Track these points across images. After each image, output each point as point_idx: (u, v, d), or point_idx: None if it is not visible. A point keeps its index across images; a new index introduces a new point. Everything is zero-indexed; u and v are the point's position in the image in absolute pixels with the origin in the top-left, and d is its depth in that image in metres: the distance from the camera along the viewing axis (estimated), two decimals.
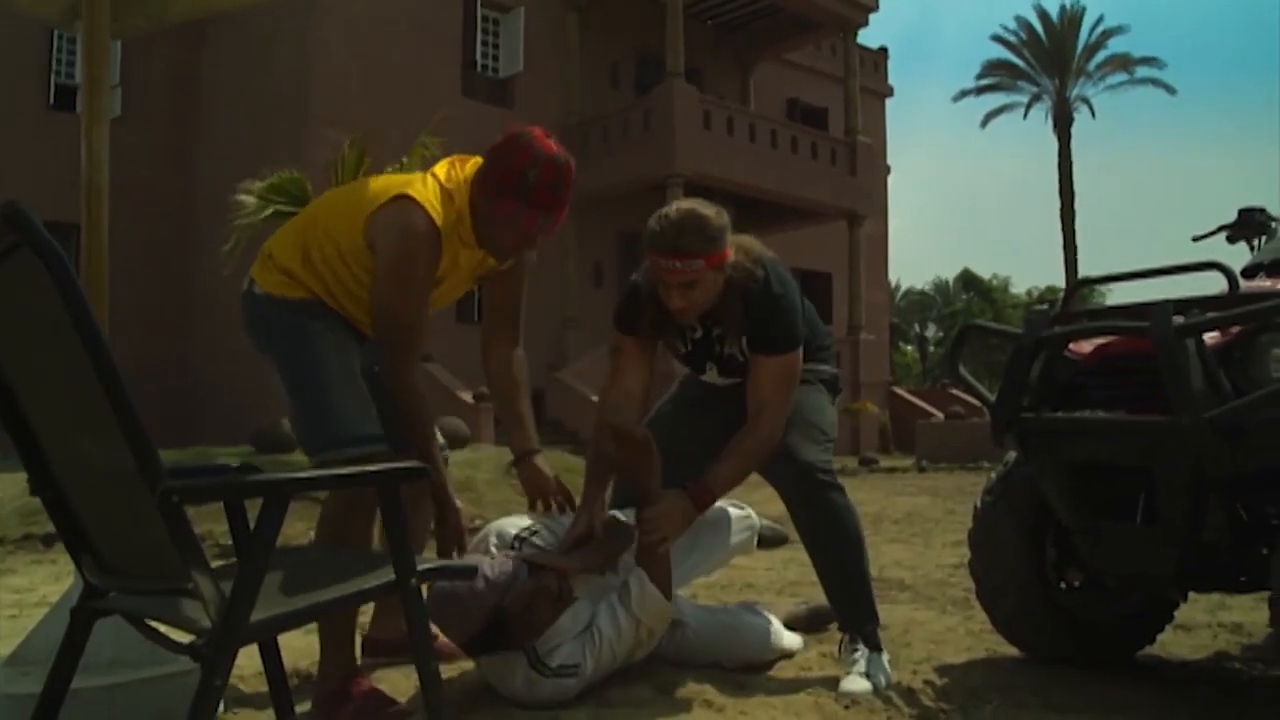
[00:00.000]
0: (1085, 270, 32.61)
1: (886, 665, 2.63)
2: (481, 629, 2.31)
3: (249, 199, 9.28)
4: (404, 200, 2.34)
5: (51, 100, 16.26)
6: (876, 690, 2.49)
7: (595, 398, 15.51)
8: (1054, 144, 32.99)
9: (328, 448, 2.33)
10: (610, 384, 2.84)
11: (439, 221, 2.35)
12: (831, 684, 2.56)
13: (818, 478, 2.68)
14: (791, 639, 2.94)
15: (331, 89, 15.31)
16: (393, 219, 2.33)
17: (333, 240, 2.41)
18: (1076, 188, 32.50)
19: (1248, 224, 3.24)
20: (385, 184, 2.44)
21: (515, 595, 2.31)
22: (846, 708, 2.40)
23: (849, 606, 2.72)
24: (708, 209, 2.60)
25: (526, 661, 2.39)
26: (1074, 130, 33.16)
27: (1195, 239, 3.42)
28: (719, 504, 2.83)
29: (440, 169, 2.51)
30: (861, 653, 2.62)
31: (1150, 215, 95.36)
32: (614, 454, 2.61)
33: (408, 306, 2.36)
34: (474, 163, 2.52)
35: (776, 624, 2.91)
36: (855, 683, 2.51)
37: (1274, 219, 3.22)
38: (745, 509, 3.04)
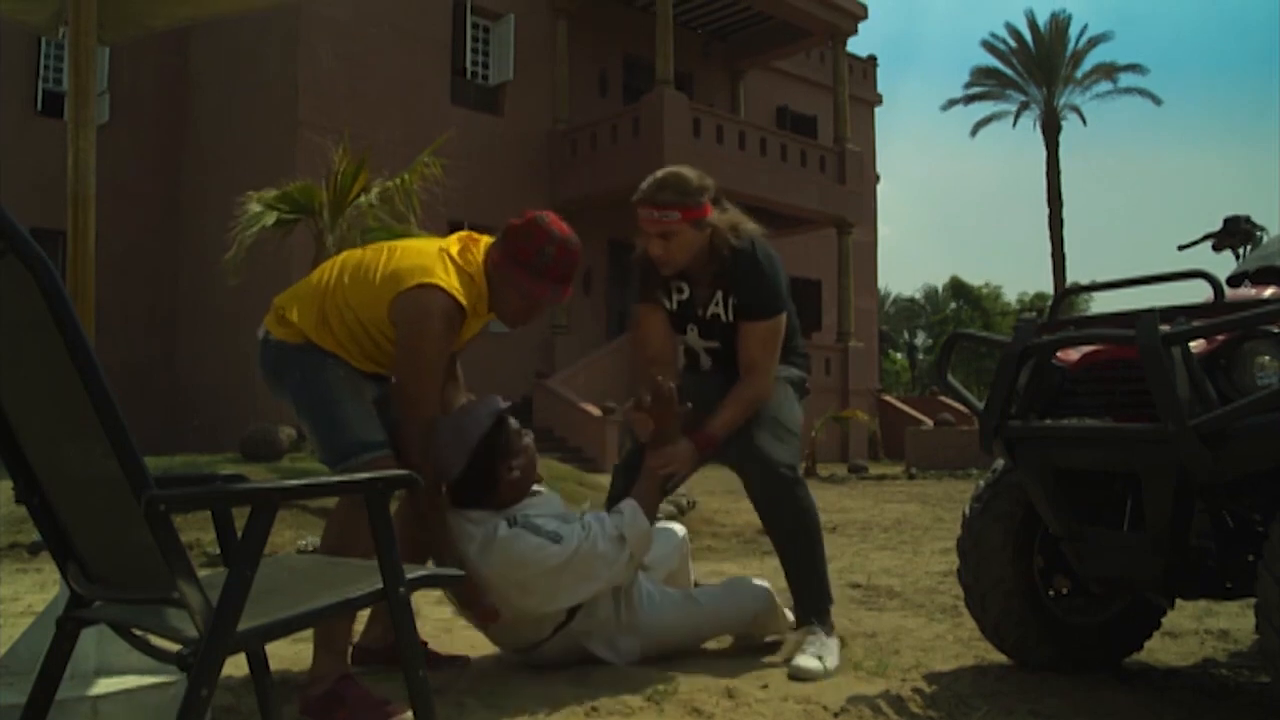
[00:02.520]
0: (1074, 277, 32.82)
1: (836, 650, 2.88)
2: (472, 464, 2.67)
3: (254, 206, 9.27)
4: (430, 288, 2.53)
5: (39, 106, 16.20)
6: (825, 670, 2.73)
7: (585, 405, 15.52)
8: (1043, 150, 33.18)
9: (346, 458, 2.52)
10: (640, 354, 3.18)
11: (464, 303, 2.58)
12: (822, 693, 2.57)
13: (781, 473, 2.90)
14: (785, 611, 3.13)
15: (319, 95, 15.29)
16: (417, 305, 2.53)
17: (352, 310, 2.62)
18: (1065, 195, 32.70)
19: (1233, 232, 3.26)
20: (410, 265, 2.60)
21: (508, 433, 2.74)
22: (835, 715, 2.41)
23: (806, 590, 2.97)
24: (690, 172, 2.94)
25: (506, 523, 2.65)
26: (1063, 137, 33.39)
27: (1181, 248, 3.45)
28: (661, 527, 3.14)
29: (453, 247, 2.72)
30: (818, 637, 2.86)
31: (1139, 222, 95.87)
32: (648, 402, 2.89)
33: (425, 387, 2.59)
34: (486, 242, 2.77)
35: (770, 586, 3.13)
36: (807, 660, 2.75)
37: (1259, 227, 3.24)
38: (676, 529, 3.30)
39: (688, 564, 3.32)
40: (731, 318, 3.01)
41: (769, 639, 3.19)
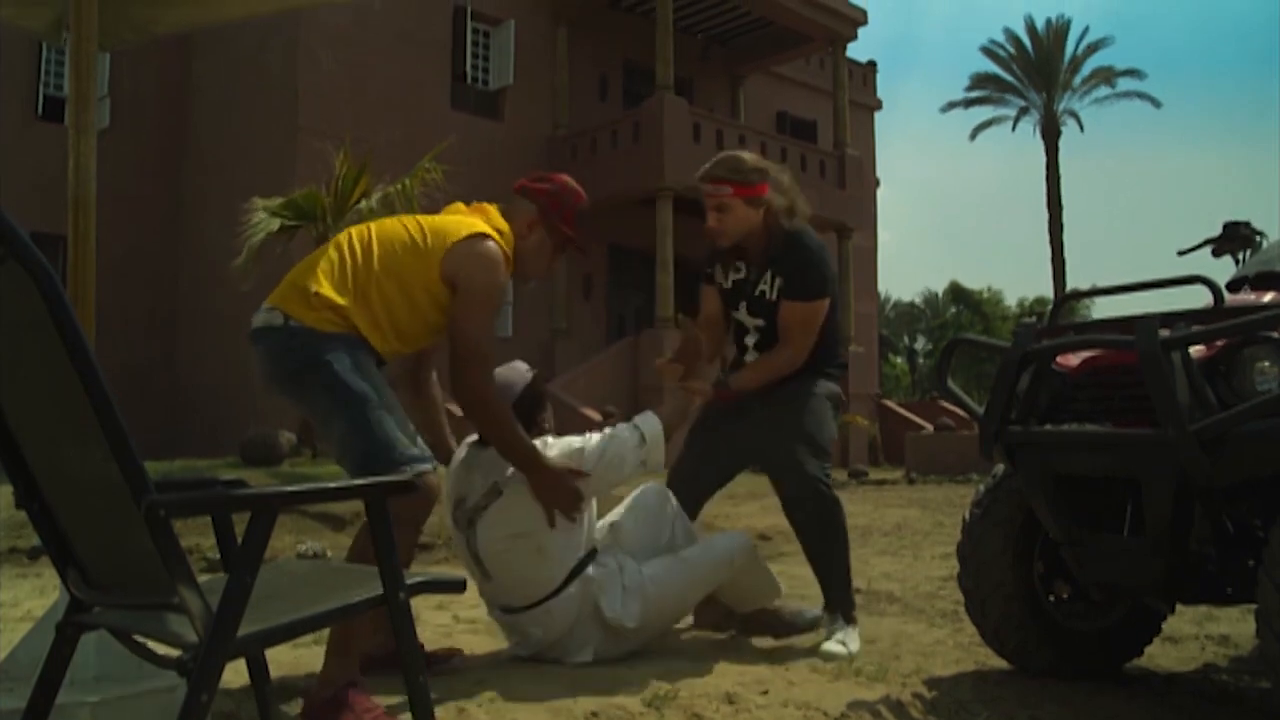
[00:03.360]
0: (1075, 281, 32.80)
1: (858, 636, 3.20)
2: (515, 411, 2.84)
3: (260, 214, 9.32)
4: (483, 237, 2.66)
5: (40, 111, 16.23)
6: (849, 653, 3.05)
7: (585, 410, 15.50)
8: (1042, 155, 33.18)
9: (389, 465, 2.40)
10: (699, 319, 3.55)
11: (508, 253, 2.73)
12: (823, 698, 2.57)
13: (815, 486, 3.15)
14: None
15: (320, 100, 15.31)
16: (477, 252, 2.63)
17: (396, 279, 2.60)
18: (1066, 199, 32.70)
19: (1232, 237, 3.26)
20: (452, 222, 2.71)
21: (542, 388, 3.09)
22: None
23: (834, 590, 3.24)
24: (747, 155, 3.31)
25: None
26: (1063, 141, 33.37)
27: (1180, 253, 3.45)
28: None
29: (463, 209, 2.81)
30: (840, 625, 3.19)
31: (1141, 225, 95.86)
32: (682, 338, 3.29)
33: (490, 330, 2.68)
34: (495, 209, 2.85)
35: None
36: (833, 646, 3.07)
37: (1258, 233, 3.24)
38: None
39: (687, 525, 3.34)
40: (775, 296, 3.27)
41: (759, 618, 3.35)
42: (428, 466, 2.49)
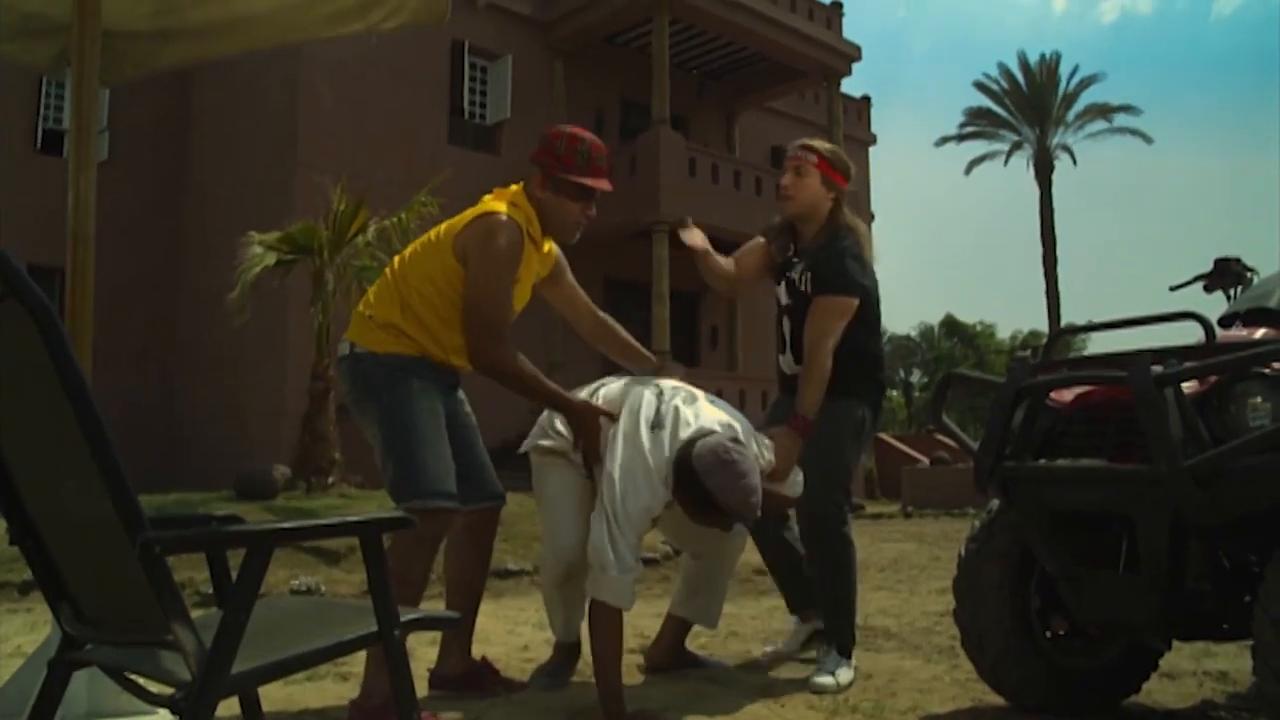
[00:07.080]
0: (1069, 315, 32.84)
1: (848, 671, 3.19)
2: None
3: (255, 248, 9.33)
4: (488, 214, 2.78)
5: (39, 144, 16.28)
6: (839, 685, 3.07)
7: None
8: (1035, 189, 33.36)
9: (413, 498, 2.62)
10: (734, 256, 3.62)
11: (520, 222, 2.79)
12: None
13: (824, 512, 3.23)
14: None
15: (318, 134, 15.37)
16: (480, 228, 2.75)
17: (428, 278, 2.76)
18: (1059, 233, 32.83)
19: (1224, 274, 3.28)
20: (463, 217, 2.86)
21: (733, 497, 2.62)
22: None
23: (831, 618, 3.30)
24: (842, 153, 3.52)
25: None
26: (1056, 174, 33.54)
27: (1173, 289, 3.47)
28: None
29: (489, 198, 2.94)
30: (833, 656, 3.20)
31: (1134, 259, 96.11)
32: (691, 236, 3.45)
33: (495, 298, 2.72)
34: (518, 186, 2.98)
35: None
36: (822, 679, 3.10)
37: (1249, 269, 3.27)
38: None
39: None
40: (806, 289, 3.31)
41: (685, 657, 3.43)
42: (450, 504, 2.65)
